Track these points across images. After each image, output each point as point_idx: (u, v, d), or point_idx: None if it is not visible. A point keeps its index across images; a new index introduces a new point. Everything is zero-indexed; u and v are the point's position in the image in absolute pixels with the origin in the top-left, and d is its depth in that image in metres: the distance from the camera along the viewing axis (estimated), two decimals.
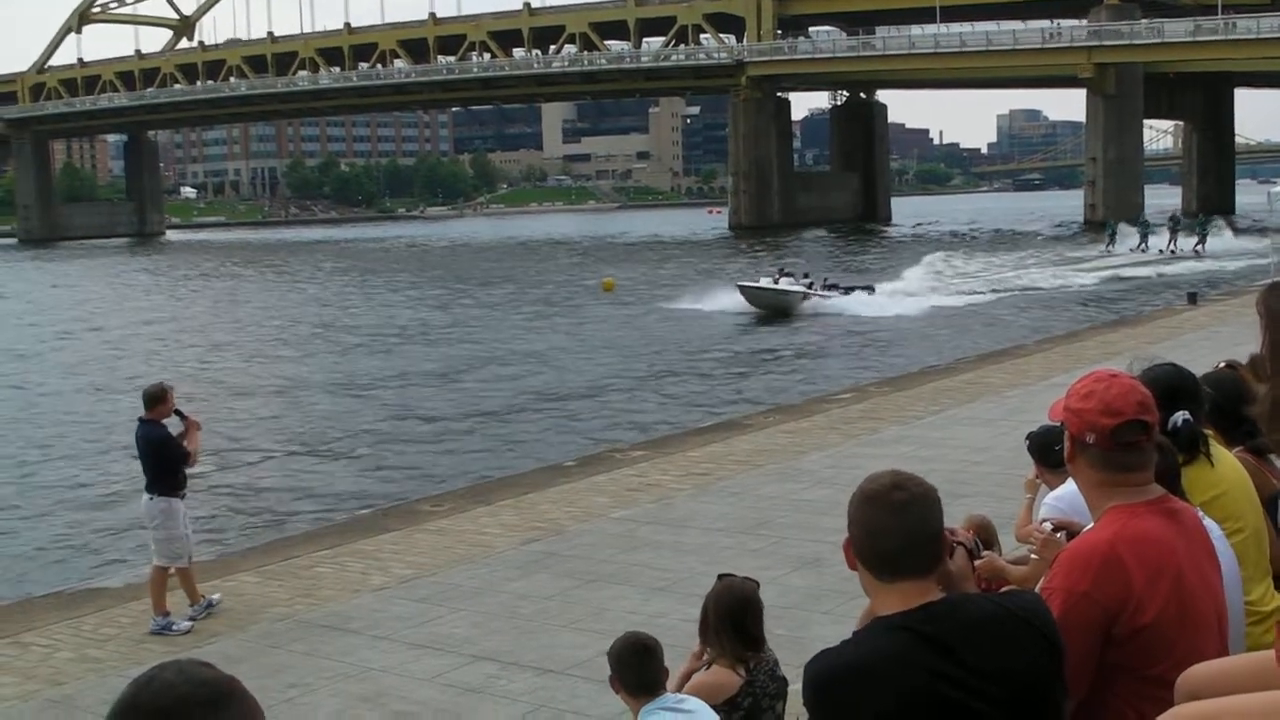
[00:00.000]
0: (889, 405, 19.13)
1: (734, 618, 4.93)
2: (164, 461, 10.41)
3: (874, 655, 2.70)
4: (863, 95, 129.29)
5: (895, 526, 2.79)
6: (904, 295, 41.81)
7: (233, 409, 25.08)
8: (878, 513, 2.81)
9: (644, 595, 10.00)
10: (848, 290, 41.26)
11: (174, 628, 9.97)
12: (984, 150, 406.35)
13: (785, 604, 8.64)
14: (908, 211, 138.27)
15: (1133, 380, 3.34)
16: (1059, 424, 3.38)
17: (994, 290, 44.42)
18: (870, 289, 41.96)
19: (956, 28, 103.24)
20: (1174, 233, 61.84)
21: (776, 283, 40.10)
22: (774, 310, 38.87)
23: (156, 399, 10.49)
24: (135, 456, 10.92)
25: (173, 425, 10.56)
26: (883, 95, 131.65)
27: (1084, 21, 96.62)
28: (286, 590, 10.91)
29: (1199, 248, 59.16)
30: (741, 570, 5.47)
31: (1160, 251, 59.39)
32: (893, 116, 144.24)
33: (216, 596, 10.44)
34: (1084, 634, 3.05)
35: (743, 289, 40.06)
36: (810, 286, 40.12)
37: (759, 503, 12.99)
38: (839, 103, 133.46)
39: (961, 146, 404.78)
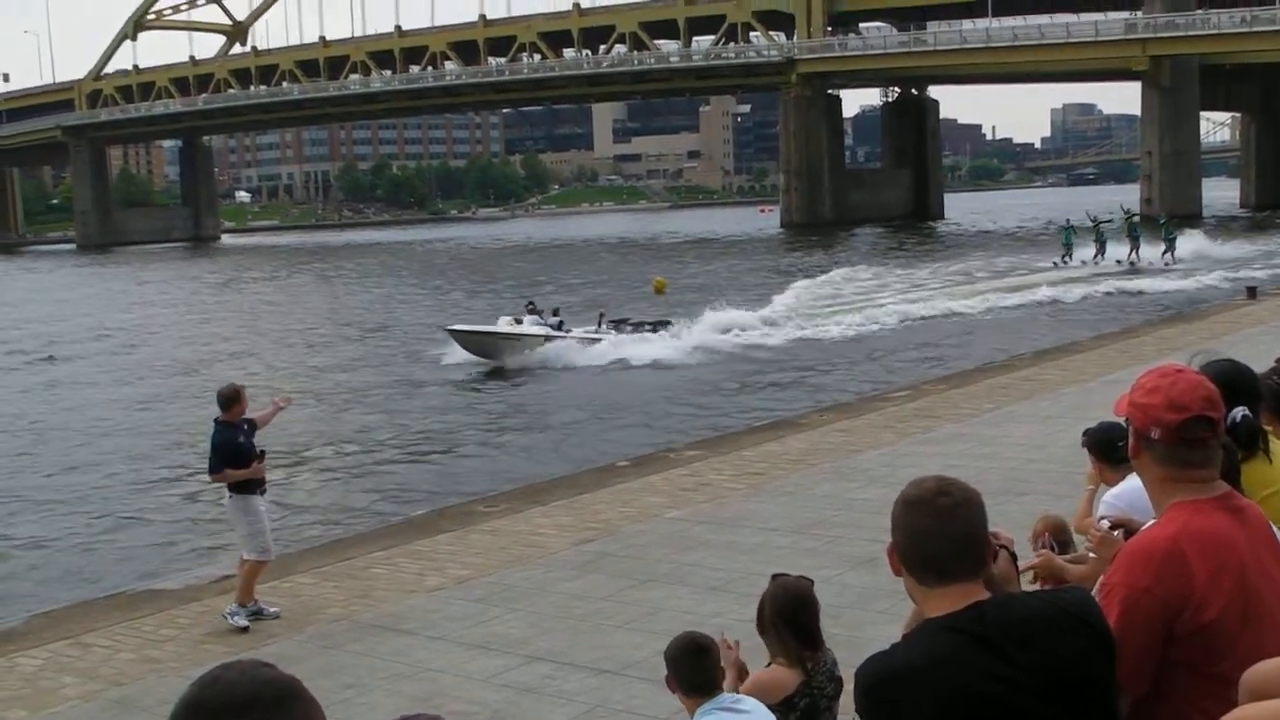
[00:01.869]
0: (944, 403, 19.03)
1: (791, 616, 4.91)
2: (214, 458, 10.55)
3: (925, 657, 2.69)
4: (914, 91, 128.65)
5: (941, 531, 2.79)
6: (712, 331, 33.61)
7: (288, 410, 25.23)
8: (923, 518, 2.81)
9: (699, 595, 10.00)
10: (639, 327, 33.32)
11: (265, 612, 10.30)
12: (1037, 145, 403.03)
13: (841, 604, 8.61)
14: (961, 207, 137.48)
15: (1199, 376, 3.31)
16: (1122, 420, 3.36)
17: (872, 322, 35.91)
18: (664, 324, 33.70)
19: (1009, 22, 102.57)
20: (1135, 241, 52.56)
21: (519, 322, 32.13)
22: (485, 356, 31.29)
23: (231, 400, 10.64)
24: (204, 456, 11.06)
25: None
26: (934, 91, 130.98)
27: (1138, 14, 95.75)
28: (343, 591, 10.99)
29: (1167, 258, 51.34)
30: (796, 570, 5.45)
31: (1119, 263, 50.99)
32: (945, 112, 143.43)
33: (275, 609, 10.46)
34: (1145, 631, 3.03)
35: (453, 333, 32.11)
36: (560, 326, 32.26)
37: (813, 502, 12.95)
38: (890, 99, 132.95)
39: (1015, 141, 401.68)
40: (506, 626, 9.61)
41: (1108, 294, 41.36)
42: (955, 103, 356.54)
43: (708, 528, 12.19)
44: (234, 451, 10.50)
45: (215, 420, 10.69)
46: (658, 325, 33.82)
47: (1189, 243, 54.55)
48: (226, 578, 11.23)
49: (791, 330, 35.11)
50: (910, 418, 17.88)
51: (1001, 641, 2.68)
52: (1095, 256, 51.55)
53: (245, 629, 10.03)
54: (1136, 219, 55.58)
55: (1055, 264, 51.56)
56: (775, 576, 5.17)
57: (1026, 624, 2.73)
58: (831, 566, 10.06)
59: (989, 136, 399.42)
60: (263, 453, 10.84)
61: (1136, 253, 51.58)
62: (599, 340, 31.92)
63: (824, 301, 41.96)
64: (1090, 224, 53.74)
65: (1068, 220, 56.73)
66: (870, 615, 8.51)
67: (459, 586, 10.79)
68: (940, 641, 2.70)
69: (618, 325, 33.67)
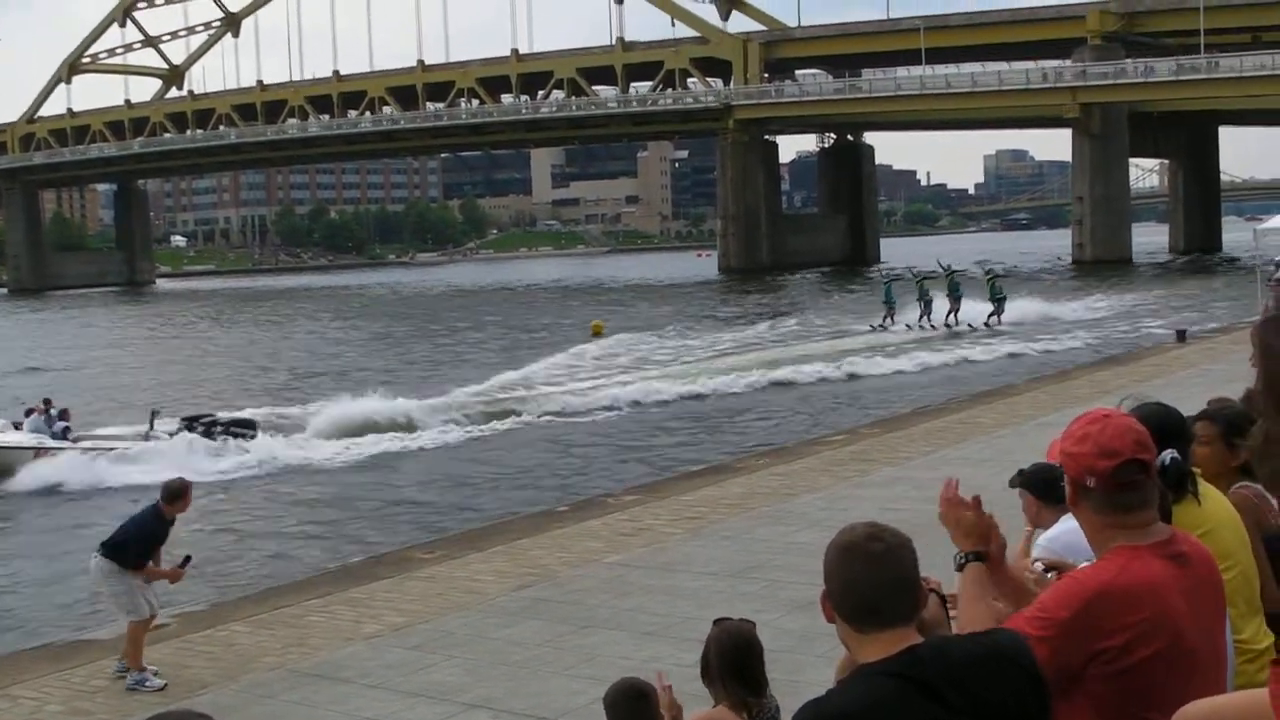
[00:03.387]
0: (880, 446, 19.13)
1: (736, 661, 4.89)
2: (139, 545, 10.24)
3: (861, 703, 2.68)
4: (850, 137, 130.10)
5: (875, 577, 2.79)
6: (323, 436, 26.81)
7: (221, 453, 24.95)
8: (856, 564, 2.81)
9: (637, 640, 9.96)
10: (213, 430, 25.86)
11: (146, 684, 9.83)
12: (971, 190, 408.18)
13: (780, 648, 8.60)
14: (897, 252, 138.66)
15: (1128, 419, 3.33)
16: (1057, 465, 3.38)
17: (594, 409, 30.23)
18: (248, 428, 26.66)
19: (942, 69, 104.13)
20: (955, 299, 45.91)
21: (16, 427, 25.90)
22: None
23: (177, 495, 10.37)
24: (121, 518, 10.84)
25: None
26: (870, 137, 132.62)
27: (1068, 62, 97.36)
28: (278, 639, 10.85)
29: (992, 320, 45.18)
30: (735, 614, 5.45)
31: (934, 327, 44.81)
32: (880, 158, 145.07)
33: (159, 682, 9.83)
34: (1050, 660, 3.03)
35: None
36: (65, 433, 25.60)
37: (751, 546, 12.96)
38: (826, 145, 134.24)
39: (949, 187, 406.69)
40: (444, 674, 9.53)
41: (824, 378, 34.32)
42: (890, 149, 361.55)
43: (646, 572, 12.16)
44: (155, 545, 10.30)
45: (153, 506, 10.43)
46: (240, 429, 26.40)
47: (1026, 303, 49.21)
48: (160, 626, 11.04)
49: (453, 431, 27.65)
50: (847, 461, 17.96)
51: (938, 685, 2.68)
52: (921, 319, 45.30)
53: (164, 686, 9.80)
54: (954, 273, 47.82)
55: (874, 327, 45.48)
56: (718, 621, 5.16)
57: (962, 667, 2.74)
58: (770, 610, 10.05)
59: (924, 182, 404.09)
60: (188, 558, 10.71)
61: (955, 314, 45.58)
62: (115, 449, 24.68)
63: (550, 378, 35.31)
64: (912, 278, 47.41)
65: (886, 274, 51.18)
66: (810, 659, 8.52)
67: (396, 634, 10.69)
68: (876, 686, 2.69)
69: (190, 425, 26.27)
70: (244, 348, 54.95)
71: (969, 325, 44.85)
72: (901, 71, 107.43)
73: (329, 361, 46.02)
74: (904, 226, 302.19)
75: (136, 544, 10.22)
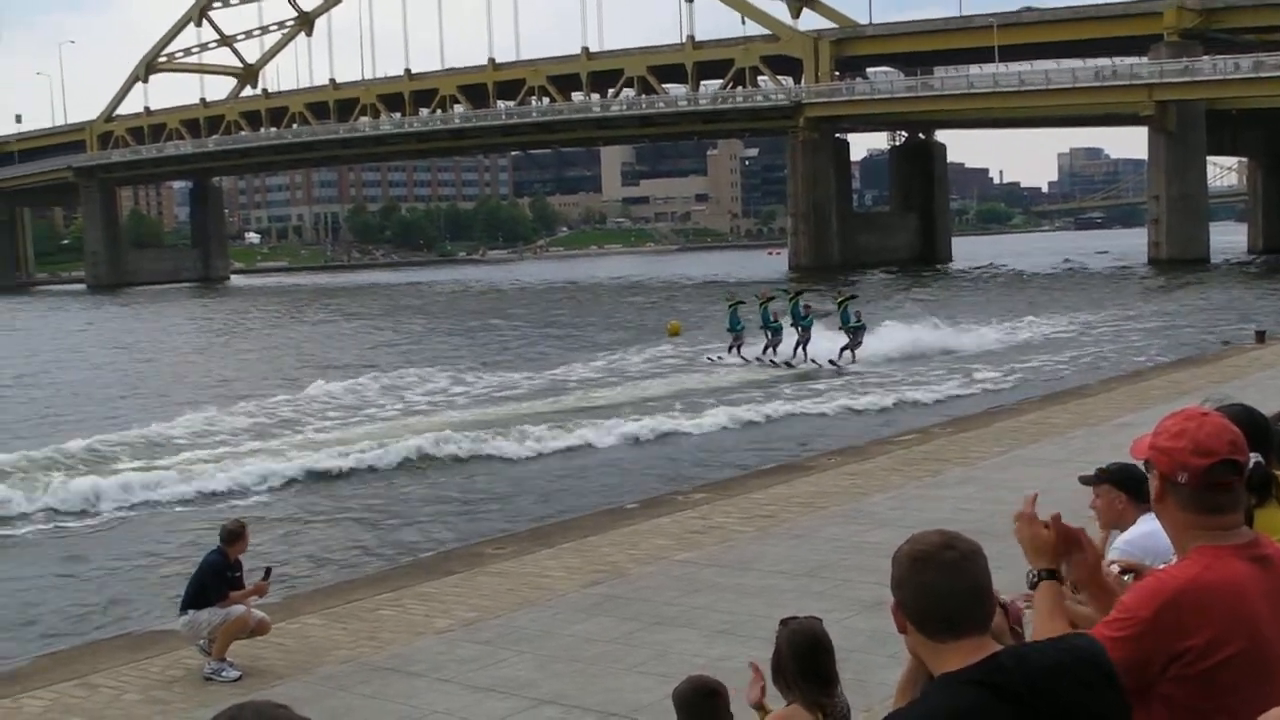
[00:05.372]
0: (952, 446, 19.00)
1: (808, 659, 4.88)
2: (215, 587, 10.32)
3: (947, 712, 2.67)
4: (922, 135, 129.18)
5: (950, 586, 2.78)
6: None
7: (297, 447, 25.19)
8: (930, 573, 2.79)
9: (707, 638, 9.96)
10: None
11: (223, 674, 9.99)
12: (1045, 189, 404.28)
13: (850, 647, 8.56)
14: (968, 251, 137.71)
15: (1224, 419, 3.28)
16: (1139, 463, 3.34)
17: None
18: None
19: (1015, 67, 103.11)
20: (802, 329, 37.00)
21: None
22: None
23: (234, 536, 10.49)
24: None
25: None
26: (942, 135, 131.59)
27: (1145, 59, 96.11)
28: (350, 633, 10.96)
29: (846, 354, 36.52)
30: (804, 613, 5.44)
31: (772, 362, 36.79)
32: (952, 156, 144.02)
33: (235, 673, 10.01)
34: (1133, 660, 3.00)
35: None
36: None
37: (822, 545, 12.92)
38: (898, 143, 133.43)
39: (1022, 185, 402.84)
40: (514, 669, 9.58)
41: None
42: (963, 147, 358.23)
43: (716, 570, 12.15)
44: (229, 586, 10.35)
45: (215, 551, 10.51)
46: None
47: (900, 332, 39.93)
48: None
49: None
50: (919, 460, 17.85)
51: (1021, 692, 2.66)
52: (765, 350, 37.30)
53: (239, 678, 9.93)
54: (849, 299, 38.76)
55: (712, 359, 38.25)
56: (785, 621, 5.15)
57: (1044, 673, 2.72)
58: (840, 610, 10.01)
59: (996, 180, 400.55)
60: (269, 570, 10.81)
61: (803, 347, 36.69)
62: None
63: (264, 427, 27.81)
64: (757, 301, 39.06)
65: (731, 295, 41.04)
66: (880, 659, 8.48)
67: (467, 629, 10.76)
68: (959, 695, 2.68)
69: None
70: (308, 343, 55.42)
71: (813, 361, 36.25)
72: (974, 69, 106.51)
73: (398, 354, 46.28)
74: (976, 225, 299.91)
75: (213, 588, 10.30)
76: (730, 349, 37.99)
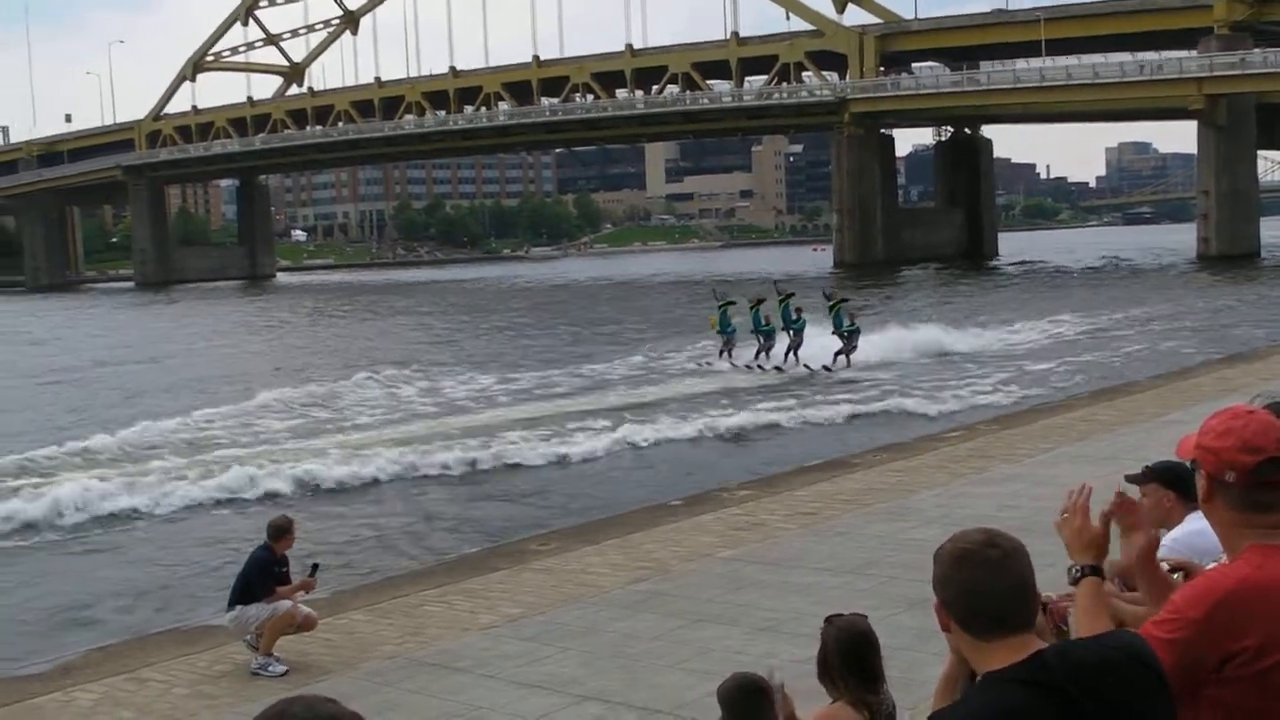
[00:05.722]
0: (998, 443, 18.91)
1: (854, 656, 4.87)
2: (261, 582, 10.42)
3: (994, 711, 2.66)
4: (967, 130, 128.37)
5: (995, 584, 2.76)
6: None
7: (339, 443, 25.32)
8: (975, 572, 2.77)
9: (751, 636, 9.95)
10: None
11: (269, 669, 10.07)
12: (1092, 184, 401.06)
13: (896, 645, 8.52)
14: (1014, 247, 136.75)
15: (1270, 416, 3.24)
16: (1184, 461, 3.30)
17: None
18: None
19: (1062, 61, 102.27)
20: (794, 332, 35.57)
21: None
22: None
23: (281, 531, 10.59)
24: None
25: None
26: (988, 130, 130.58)
27: (1193, 52, 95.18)
28: (396, 628, 11.02)
29: (839, 359, 35.01)
30: (850, 611, 5.42)
31: (760, 368, 35.11)
32: (998, 151, 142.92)
33: (281, 668, 10.11)
34: (1185, 662, 2.97)
35: None
36: None
37: (867, 542, 12.88)
38: (943, 138, 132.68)
39: (1070, 180, 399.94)
40: (558, 665, 9.60)
41: None
42: (1009, 142, 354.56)
43: (760, 568, 12.14)
44: (275, 582, 10.45)
45: (262, 546, 10.64)
46: None
47: (902, 333, 38.70)
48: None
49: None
50: (965, 457, 17.77)
51: (1068, 689, 2.65)
52: (758, 355, 35.66)
53: (285, 672, 10.01)
54: (842, 301, 36.84)
55: (700, 365, 36.69)
56: (830, 618, 5.14)
57: (1090, 670, 2.70)
58: (885, 607, 9.97)
59: (1043, 175, 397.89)
60: (316, 566, 10.89)
61: (795, 352, 35.37)
62: None
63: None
64: (748, 303, 36.75)
65: (719, 294, 38.77)
66: (926, 656, 8.43)
67: (511, 625, 10.79)
68: (1006, 694, 2.66)
69: None
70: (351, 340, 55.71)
71: (806, 366, 34.83)
72: (1020, 63, 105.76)
73: (440, 350, 46.44)
74: (1023, 220, 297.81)
75: (259, 583, 10.40)
76: (721, 353, 36.32)
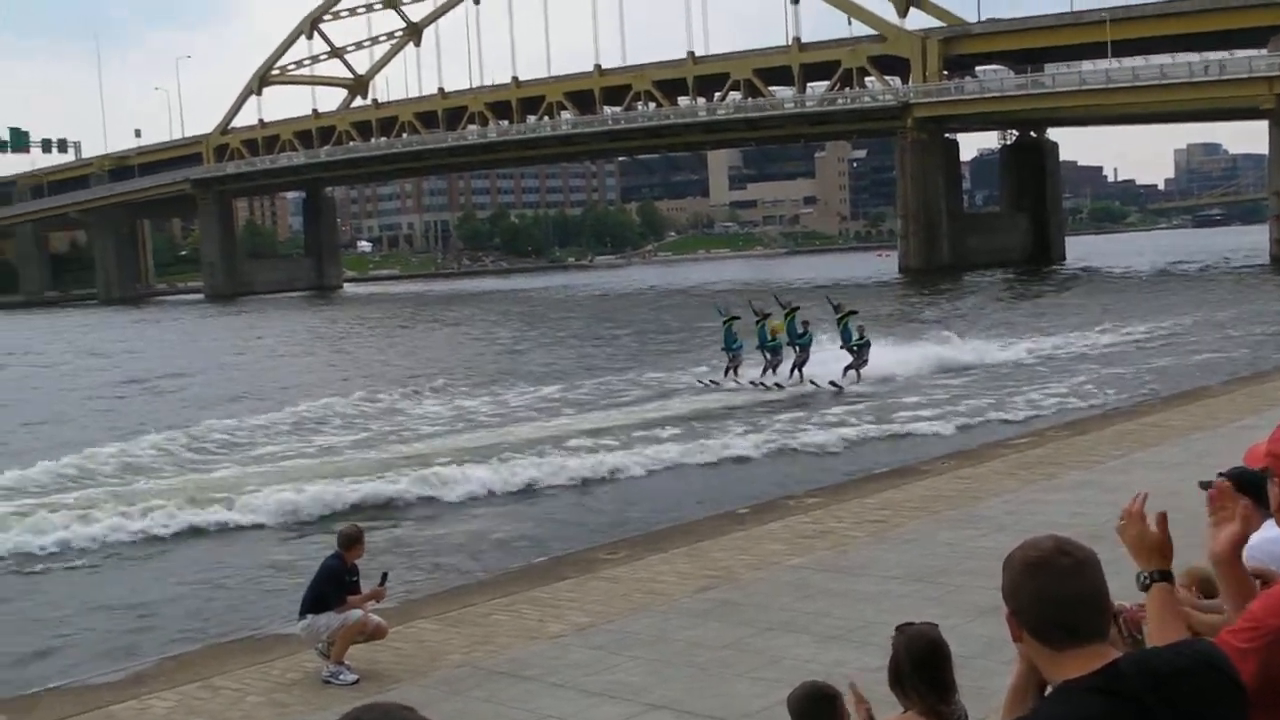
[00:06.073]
0: (1069, 449, 18.72)
1: (927, 666, 4.84)
2: (334, 591, 10.48)
3: None
4: (1033, 133, 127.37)
5: (1068, 593, 2.73)
6: None
7: (406, 453, 25.50)
8: (1048, 580, 2.74)
9: (820, 644, 9.91)
10: None
11: (340, 677, 10.14)
12: (1161, 186, 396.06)
13: (966, 654, 8.45)
14: (1082, 251, 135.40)
15: None
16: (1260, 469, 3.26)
17: None
18: None
19: (1130, 62, 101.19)
20: (800, 348, 33.95)
21: None
22: None
23: (351, 541, 10.66)
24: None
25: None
26: (1054, 133, 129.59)
27: (1264, 51, 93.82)
28: (464, 637, 11.06)
29: (849, 374, 33.42)
30: (920, 619, 5.39)
31: (762, 385, 33.53)
32: (1065, 154, 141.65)
33: (352, 677, 10.18)
34: (1264, 671, 2.93)
35: None
36: None
37: (936, 550, 12.79)
38: (1008, 142, 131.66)
39: (1138, 183, 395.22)
40: (627, 674, 9.61)
41: None
42: (1075, 144, 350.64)
43: (828, 575, 12.09)
44: (346, 590, 10.50)
45: (334, 555, 10.70)
46: None
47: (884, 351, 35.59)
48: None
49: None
50: (1034, 464, 17.60)
51: (1144, 698, 2.63)
52: (764, 372, 33.97)
53: (356, 681, 10.08)
54: (849, 313, 35.11)
55: (705, 383, 34.65)
56: (901, 627, 5.11)
57: (1167, 679, 2.67)
58: (956, 615, 9.90)
59: (1110, 178, 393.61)
60: (385, 575, 10.92)
61: (799, 371, 33.75)
62: None
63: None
64: (755, 316, 35.04)
65: (723, 309, 36.70)
66: (997, 665, 8.36)
67: (580, 633, 10.81)
68: (1082, 703, 2.64)
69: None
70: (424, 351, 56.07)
71: (811, 382, 33.19)
72: (1087, 65, 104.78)
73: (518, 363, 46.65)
74: (1090, 224, 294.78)
75: (332, 592, 10.46)
76: (726, 371, 34.68)
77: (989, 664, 8.42)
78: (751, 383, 33.81)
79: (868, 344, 34.12)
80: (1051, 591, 2.73)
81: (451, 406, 32.65)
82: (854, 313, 35.32)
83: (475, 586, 13.74)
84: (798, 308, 35.36)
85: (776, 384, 33.52)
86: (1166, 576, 3.25)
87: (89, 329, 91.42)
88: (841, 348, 34.19)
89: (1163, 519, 3.30)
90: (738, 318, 35.36)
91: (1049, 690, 2.82)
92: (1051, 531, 2.92)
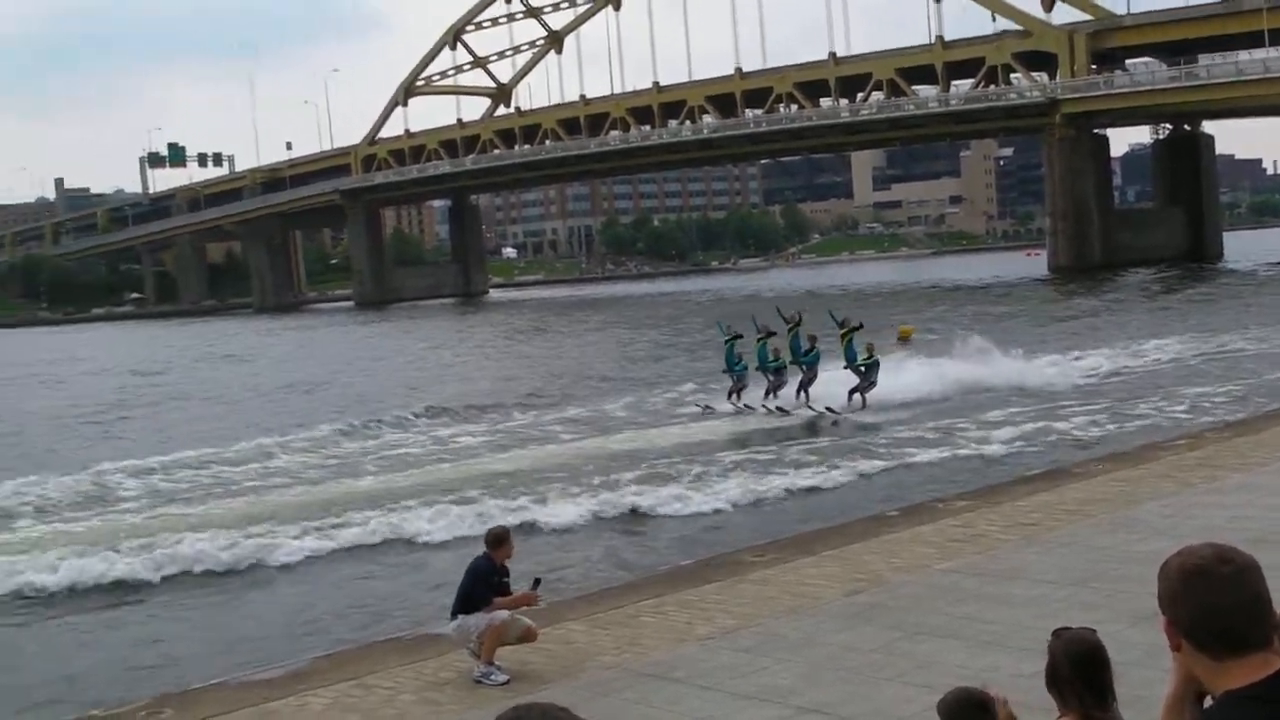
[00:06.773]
0: (1229, 452, 18.22)
1: (1085, 670, 4.75)
2: (482, 592, 10.57)
3: None
4: (1187, 127, 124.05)
5: (1232, 600, 2.64)
6: None
7: (553, 453, 25.72)
8: (1210, 589, 2.65)
9: (972, 649, 9.77)
10: None
11: (491, 678, 10.26)
12: None
13: (1125, 661, 8.24)
14: (1241, 247, 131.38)
15: None
16: None
17: None
18: None
19: None
20: (805, 366, 31.37)
21: None
22: None
23: (499, 541, 10.77)
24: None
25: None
26: (1209, 126, 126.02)
27: None
28: (613, 639, 11.12)
29: (854, 399, 30.72)
30: (1075, 625, 5.28)
31: (765, 408, 31.18)
32: (1221, 147, 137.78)
33: (503, 677, 10.28)
34: None
35: None
36: None
37: (1091, 554, 12.53)
38: (1161, 136, 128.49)
39: None
40: (776, 677, 9.57)
41: None
42: (1232, 137, 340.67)
43: (980, 580, 11.92)
44: (495, 590, 10.59)
45: (483, 555, 10.80)
46: None
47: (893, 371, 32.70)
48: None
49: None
50: (1193, 467, 17.15)
51: None
52: (768, 395, 31.56)
53: (507, 681, 10.19)
54: (854, 330, 32.07)
55: (703, 408, 32.45)
56: (1058, 631, 5.01)
57: None
58: (1113, 621, 9.67)
59: (1270, 171, 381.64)
60: (538, 580, 10.96)
61: (804, 391, 31.14)
62: None
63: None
64: (757, 334, 32.83)
65: (726, 327, 33.78)
66: (1157, 674, 8.11)
67: (728, 636, 10.80)
68: (1251, 712, 2.57)
69: None
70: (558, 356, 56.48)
71: (810, 407, 30.87)
72: (1243, 55, 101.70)
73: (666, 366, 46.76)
74: (1249, 219, 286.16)
75: (481, 592, 10.56)
76: (729, 395, 32.07)
77: (1148, 672, 8.19)
78: (747, 406, 31.50)
79: (876, 364, 31.13)
80: (1211, 600, 2.65)
81: (592, 409, 32.94)
82: (859, 328, 32.21)
83: (623, 588, 13.81)
84: (800, 322, 32.71)
85: (779, 408, 31.09)
86: None
87: (271, 333, 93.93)
88: (845, 368, 31.41)
89: None
90: (740, 336, 32.90)
91: (1208, 701, 2.75)
92: (1210, 536, 2.85)
